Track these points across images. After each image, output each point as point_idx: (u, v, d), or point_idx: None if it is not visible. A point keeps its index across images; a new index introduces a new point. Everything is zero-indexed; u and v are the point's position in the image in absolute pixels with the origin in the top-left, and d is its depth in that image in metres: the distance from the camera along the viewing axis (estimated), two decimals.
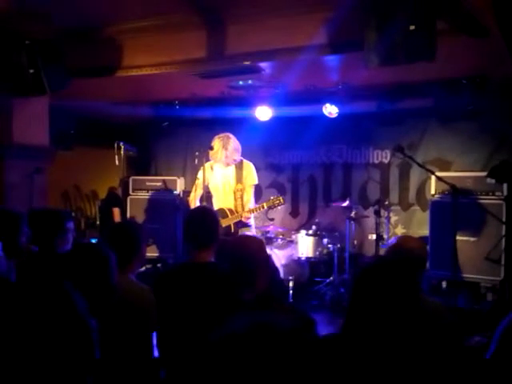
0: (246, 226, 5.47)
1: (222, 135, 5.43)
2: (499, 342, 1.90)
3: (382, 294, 1.88)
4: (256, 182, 5.61)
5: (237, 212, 5.44)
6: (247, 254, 2.77)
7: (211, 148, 5.36)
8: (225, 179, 5.52)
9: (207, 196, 5.59)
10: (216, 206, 5.46)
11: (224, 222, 5.27)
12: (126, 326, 2.61)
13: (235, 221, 5.40)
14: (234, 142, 5.40)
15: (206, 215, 3.20)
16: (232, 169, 5.49)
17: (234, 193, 5.46)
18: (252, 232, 5.55)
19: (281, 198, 5.39)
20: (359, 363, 1.79)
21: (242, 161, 5.52)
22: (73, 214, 3.55)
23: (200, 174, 5.48)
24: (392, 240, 2.90)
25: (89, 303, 1.58)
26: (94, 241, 4.92)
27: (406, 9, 3.65)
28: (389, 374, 1.80)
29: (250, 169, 5.52)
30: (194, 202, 5.53)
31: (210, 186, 5.56)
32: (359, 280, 1.99)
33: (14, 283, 1.80)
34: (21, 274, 2.63)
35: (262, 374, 1.04)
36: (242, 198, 5.45)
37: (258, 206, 5.47)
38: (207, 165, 5.51)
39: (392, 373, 1.81)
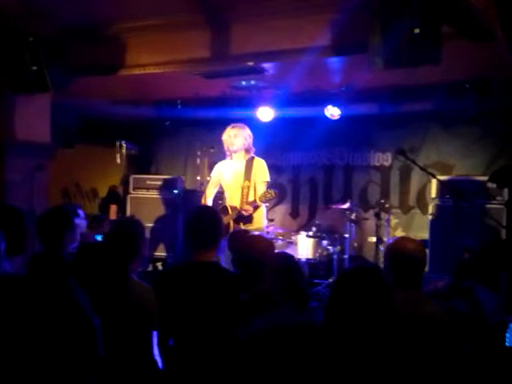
0: (248, 221, 5.27)
1: (234, 124, 5.45)
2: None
3: (356, 301, 1.90)
4: (268, 178, 5.43)
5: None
6: (254, 254, 2.77)
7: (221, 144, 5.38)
8: (235, 175, 5.41)
9: (221, 194, 5.58)
10: (227, 203, 5.43)
11: (225, 220, 5.19)
12: (127, 325, 2.61)
13: (234, 216, 5.31)
14: (247, 130, 5.43)
15: (207, 215, 3.17)
16: (243, 164, 5.40)
17: (242, 189, 5.32)
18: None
19: (272, 191, 5.18)
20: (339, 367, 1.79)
21: (253, 157, 5.44)
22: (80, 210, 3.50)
23: (213, 173, 5.51)
24: (390, 240, 2.92)
25: (93, 302, 1.58)
26: (99, 237, 4.90)
27: (411, 12, 3.65)
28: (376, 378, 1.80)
29: (261, 165, 5.40)
30: (205, 200, 5.52)
31: (222, 184, 5.54)
32: (337, 286, 2.00)
33: (18, 282, 1.80)
34: (28, 272, 2.62)
35: (286, 373, 1.04)
36: (247, 195, 5.32)
37: (250, 201, 5.30)
38: (220, 163, 5.52)
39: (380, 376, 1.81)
